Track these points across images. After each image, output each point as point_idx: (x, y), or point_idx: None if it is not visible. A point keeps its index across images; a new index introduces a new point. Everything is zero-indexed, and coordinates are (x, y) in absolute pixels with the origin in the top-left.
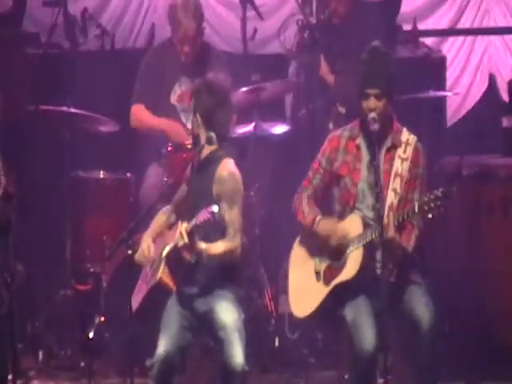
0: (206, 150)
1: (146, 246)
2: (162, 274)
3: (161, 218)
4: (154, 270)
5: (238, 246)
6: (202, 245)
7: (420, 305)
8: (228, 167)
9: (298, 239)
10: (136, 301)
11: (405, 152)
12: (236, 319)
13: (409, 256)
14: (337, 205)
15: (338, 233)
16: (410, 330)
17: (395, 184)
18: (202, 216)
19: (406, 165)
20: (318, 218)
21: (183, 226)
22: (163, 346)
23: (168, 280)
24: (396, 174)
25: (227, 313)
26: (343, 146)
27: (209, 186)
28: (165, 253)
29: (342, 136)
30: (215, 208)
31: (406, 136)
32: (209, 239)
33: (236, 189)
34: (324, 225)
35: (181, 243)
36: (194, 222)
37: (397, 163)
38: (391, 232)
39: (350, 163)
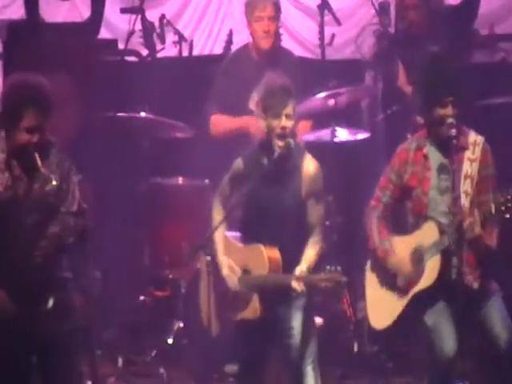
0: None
1: (230, 272)
2: (259, 305)
3: (221, 236)
4: (244, 300)
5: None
6: (304, 268)
7: (498, 321)
8: (314, 162)
9: (369, 263)
10: (219, 326)
11: (473, 153)
12: (303, 327)
13: (493, 254)
14: (410, 216)
15: (405, 272)
16: (488, 346)
17: (466, 186)
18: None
19: (476, 166)
20: (388, 253)
21: (294, 283)
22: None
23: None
24: (466, 176)
25: (295, 320)
26: (411, 157)
27: (296, 186)
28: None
29: (409, 148)
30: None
31: (474, 137)
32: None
33: (322, 184)
34: (393, 261)
35: (299, 291)
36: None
37: (466, 165)
38: (478, 229)
39: (418, 173)
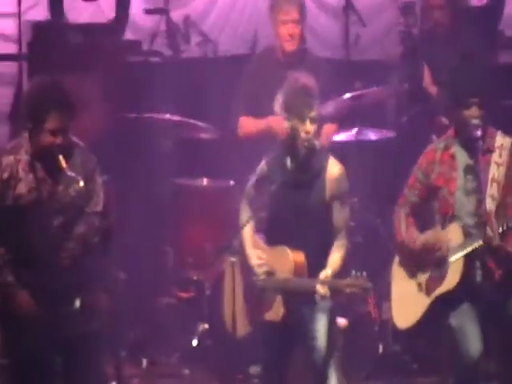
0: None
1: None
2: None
3: (249, 233)
4: (268, 302)
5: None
6: (329, 272)
7: None
8: (338, 165)
9: (396, 259)
10: (243, 328)
11: (500, 156)
12: (327, 329)
13: None
14: (437, 216)
15: (438, 242)
16: None
17: (492, 190)
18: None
19: (502, 170)
20: (416, 236)
21: (319, 287)
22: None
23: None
24: (493, 180)
25: (320, 322)
26: (438, 157)
27: (320, 188)
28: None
29: (437, 148)
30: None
31: (501, 140)
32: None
33: (347, 187)
34: (422, 240)
35: (322, 296)
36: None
37: (493, 168)
38: (496, 240)
39: (445, 173)
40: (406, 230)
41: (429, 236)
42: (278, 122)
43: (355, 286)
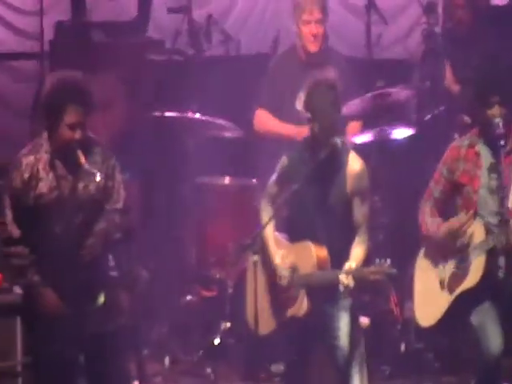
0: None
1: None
2: (306, 301)
3: (271, 232)
4: (291, 297)
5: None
6: (353, 265)
7: None
8: (359, 160)
9: (421, 252)
10: (266, 326)
11: None
12: (349, 328)
13: None
14: (459, 213)
15: (461, 227)
16: None
17: None
18: None
19: None
20: (439, 222)
21: (342, 276)
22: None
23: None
24: None
25: (342, 321)
26: (463, 154)
27: (340, 184)
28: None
29: (461, 145)
30: None
31: None
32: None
33: (368, 182)
34: (446, 225)
35: (346, 286)
36: (360, 272)
37: None
38: None
39: (470, 171)
40: (431, 219)
41: (452, 221)
42: (301, 134)
43: (379, 273)
